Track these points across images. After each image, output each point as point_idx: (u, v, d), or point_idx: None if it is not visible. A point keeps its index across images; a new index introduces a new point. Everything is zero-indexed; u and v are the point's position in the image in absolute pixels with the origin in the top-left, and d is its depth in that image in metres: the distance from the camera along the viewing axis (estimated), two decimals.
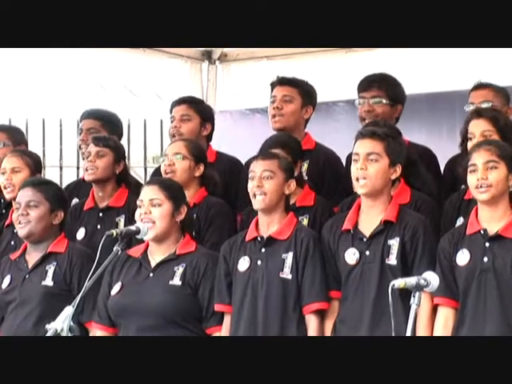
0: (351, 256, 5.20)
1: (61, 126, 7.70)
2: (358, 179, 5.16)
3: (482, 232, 5.02)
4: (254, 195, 5.29)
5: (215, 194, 5.90)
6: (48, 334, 4.86)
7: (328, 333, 5.30)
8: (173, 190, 5.46)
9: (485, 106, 5.86)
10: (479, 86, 6.10)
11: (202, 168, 5.86)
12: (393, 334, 4.50)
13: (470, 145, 5.40)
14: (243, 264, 5.34)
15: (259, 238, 5.34)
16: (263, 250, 5.32)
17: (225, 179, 5.95)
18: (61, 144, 7.80)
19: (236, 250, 5.39)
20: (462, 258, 5.04)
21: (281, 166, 5.33)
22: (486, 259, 4.99)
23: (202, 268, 5.40)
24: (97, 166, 5.98)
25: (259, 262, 5.31)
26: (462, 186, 5.47)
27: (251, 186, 5.30)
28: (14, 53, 6.92)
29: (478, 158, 5.01)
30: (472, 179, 5.00)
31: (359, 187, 5.18)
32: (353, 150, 5.27)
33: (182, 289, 5.38)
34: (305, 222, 5.60)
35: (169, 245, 5.44)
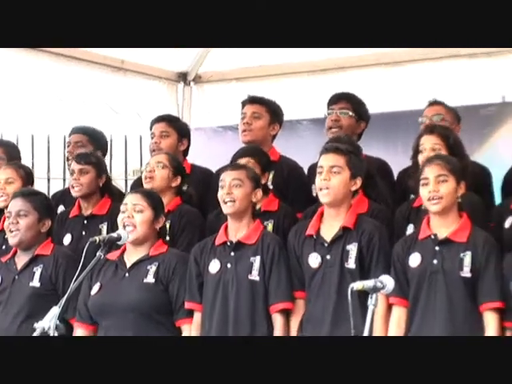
0: (314, 260, 5.26)
1: (48, 141, 7.69)
2: (321, 189, 5.23)
3: (432, 237, 5.12)
4: (224, 201, 5.33)
5: (191, 204, 5.94)
6: (36, 333, 4.77)
7: (294, 330, 5.32)
8: (154, 200, 5.52)
9: (436, 118, 5.98)
10: (433, 103, 6.20)
11: (178, 180, 5.92)
12: (352, 333, 4.48)
13: (420, 157, 5.47)
14: (214, 266, 5.37)
15: (229, 243, 5.37)
16: (232, 253, 5.36)
17: (198, 189, 5.97)
18: (48, 158, 7.78)
19: (206, 252, 5.43)
20: (414, 260, 5.13)
21: (249, 175, 5.39)
22: (435, 261, 5.08)
23: (172, 266, 5.43)
24: (81, 183, 6.02)
25: (229, 265, 5.35)
26: (412, 196, 5.55)
27: (221, 193, 5.35)
28: (4, 73, 6.96)
29: (430, 173, 5.10)
30: (424, 192, 5.10)
31: (322, 196, 5.25)
32: (318, 163, 5.31)
33: (155, 286, 5.42)
34: (269, 226, 5.63)
35: (145, 249, 5.48)
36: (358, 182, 5.30)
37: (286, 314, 5.32)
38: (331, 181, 5.20)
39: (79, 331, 5.51)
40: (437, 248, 5.09)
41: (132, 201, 5.47)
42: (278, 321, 5.29)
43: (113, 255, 5.50)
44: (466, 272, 5.03)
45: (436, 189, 5.05)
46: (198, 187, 5.99)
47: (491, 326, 5.00)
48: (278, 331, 5.29)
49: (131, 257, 5.49)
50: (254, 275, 5.31)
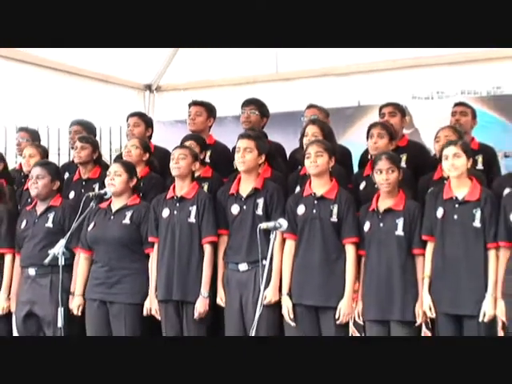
0: (235, 209, 5.26)
1: (58, 132, 7.70)
2: (239, 162, 5.26)
3: (312, 194, 5.11)
4: (172, 168, 5.33)
5: (157, 172, 5.93)
6: (49, 257, 4.89)
7: (220, 257, 5.26)
8: (129, 167, 5.50)
9: (312, 117, 5.95)
10: (310, 106, 6.21)
11: (147, 155, 5.88)
12: (259, 257, 4.62)
13: (305, 140, 5.47)
14: (165, 213, 5.34)
15: (175, 197, 5.35)
16: (177, 204, 5.32)
17: (160, 162, 5.90)
18: (58, 141, 7.77)
19: (161, 203, 5.39)
20: (300, 210, 5.13)
21: (190, 152, 5.39)
22: (314, 211, 5.08)
23: (142, 212, 5.40)
24: (81, 155, 5.98)
25: (175, 212, 5.31)
26: (299, 167, 5.55)
27: (171, 163, 5.34)
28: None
29: (312, 150, 5.11)
30: (307, 162, 5.12)
31: (240, 167, 5.27)
32: (236, 145, 5.34)
33: (130, 225, 5.38)
34: (205, 187, 5.59)
35: (123, 199, 5.46)
36: (263, 157, 5.32)
37: (214, 245, 5.28)
38: (245, 157, 5.23)
39: (82, 255, 5.47)
40: (315, 202, 5.09)
41: (114, 168, 5.47)
42: (207, 249, 5.25)
43: (103, 205, 5.48)
44: (334, 218, 5.03)
45: (315, 160, 5.08)
46: (160, 161, 5.92)
47: (350, 254, 5.02)
48: (207, 257, 5.24)
49: (115, 206, 5.46)
50: (192, 219, 5.26)
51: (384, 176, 4.95)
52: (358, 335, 5.99)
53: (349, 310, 4.97)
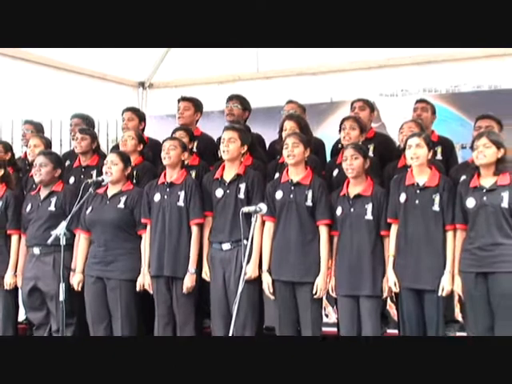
0: (219, 193, 5.22)
1: (61, 124, 7.60)
2: (223, 151, 5.23)
3: (289, 181, 5.09)
4: (164, 158, 5.30)
5: (149, 161, 5.89)
6: (52, 238, 4.91)
7: (206, 237, 5.23)
8: (124, 157, 5.45)
9: (291, 111, 5.90)
10: (289, 102, 6.16)
11: (141, 146, 5.84)
12: (241, 237, 4.64)
13: (283, 133, 5.44)
14: (157, 197, 5.30)
15: (166, 183, 5.31)
16: (168, 189, 5.29)
17: (152, 151, 5.87)
18: (61, 132, 7.70)
19: (153, 189, 5.36)
20: (279, 195, 5.10)
21: (179, 143, 5.36)
22: (291, 196, 5.06)
23: (135, 198, 5.37)
24: (82, 145, 5.93)
25: (165, 197, 5.28)
26: (278, 156, 5.52)
27: (163, 153, 5.31)
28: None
29: (289, 141, 5.08)
30: (285, 152, 5.09)
31: (224, 156, 5.24)
32: (222, 136, 5.31)
33: (124, 209, 5.35)
34: (193, 173, 5.57)
35: (118, 186, 5.42)
36: (246, 147, 5.29)
37: (200, 226, 5.26)
38: (229, 146, 5.20)
39: (81, 235, 5.44)
40: (292, 188, 5.07)
41: (111, 158, 5.43)
42: (194, 230, 5.23)
43: (100, 190, 5.44)
44: (309, 202, 5.01)
45: (292, 151, 5.04)
46: (153, 151, 5.89)
47: (323, 234, 5.01)
48: (194, 237, 5.22)
49: (110, 191, 5.42)
50: (181, 202, 5.23)
51: (348, 162, 4.94)
52: (330, 308, 6.04)
53: (324, 285, 4.98)
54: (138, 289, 5.29)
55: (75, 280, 5.38)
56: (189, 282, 5.18)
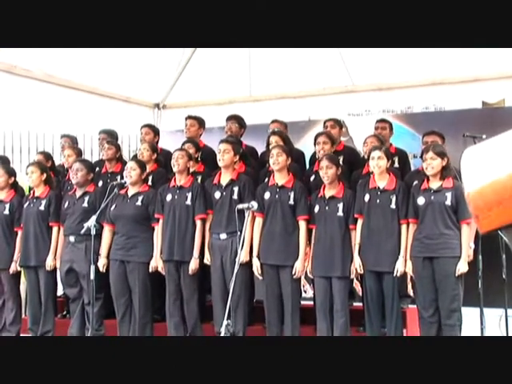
0: (217, 195, 5.13)
1: (92, 138, 7.47)
2: (219, 160, 5.15)
3: (275, 184, 5.03)
4: (173, 165, 5.22)
5: (162, 167, 5.79)
6: (84, 229, 4.90)
7: (207, 229, 5.11)
8: (141, 164, 5.36)
9: (275, 129, 5.79)
10: (274, 121, 6.09)
11: (155, 155, 5.75)
12: (237, 229, 4.55)
13: (271, 146, 5.33)
14: (169, 197, 5.22)
15: (176, 186, 5.23)
16: (178, 191, 5.21)
17: (166, 160, 5.74)
18: (91, 143, 7.62)
19: (165, 190, 5.27)
20: (267, 195, 5.03)
21: (186, 153, 5.28)
22: (277, 196, 4.99)
23: (150, 197, 5.29)
24: (108, 153, 5.87)
25: (176, 197, 5.20)
26: (267, 164, 5.37)
27: (173, 161, 5.23)
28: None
29: (274, 151, 5.02)
30: (271, 160, 5.01)
31: (220, 164, 5.16)
32: (218, 147, 5.23)
33: (141, 206, 5.27)
34: (199, 179, 5.47)
35: (137, 188, 5.33)
36: (237, 156, 5.21)
37: (203, 221, 5.18)
38: (224, 156, 5.13)
39: (107, 227, 5.33)
40: (277, 190, 5.00)
41: (130, 165, 5.35)
42: (198, 224, 5.14)
43: (122, 191, 5.35)
44: (291, 201, 4.95)
45: (277, 159, 4.98)
46: (165, 159, 5.77)
47: (302, 227, 4.94)
48: (198, 229, 5.13)
49: (130, 192, 5.32)
50: (188, 202, 5.15)
51: (324, 171, 4.89)
52: (308, 285, 5.99)
53: (302, 267, 4.92)
54: (150, 270, 5.23)
55: (100, 263, 5.28)
56: (193, 265, 5.11)
